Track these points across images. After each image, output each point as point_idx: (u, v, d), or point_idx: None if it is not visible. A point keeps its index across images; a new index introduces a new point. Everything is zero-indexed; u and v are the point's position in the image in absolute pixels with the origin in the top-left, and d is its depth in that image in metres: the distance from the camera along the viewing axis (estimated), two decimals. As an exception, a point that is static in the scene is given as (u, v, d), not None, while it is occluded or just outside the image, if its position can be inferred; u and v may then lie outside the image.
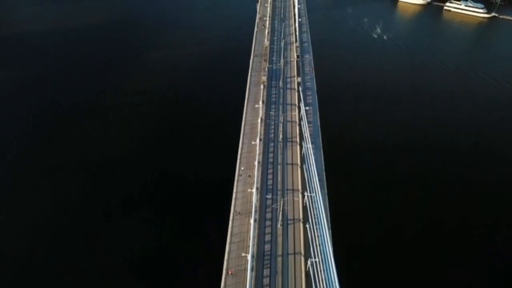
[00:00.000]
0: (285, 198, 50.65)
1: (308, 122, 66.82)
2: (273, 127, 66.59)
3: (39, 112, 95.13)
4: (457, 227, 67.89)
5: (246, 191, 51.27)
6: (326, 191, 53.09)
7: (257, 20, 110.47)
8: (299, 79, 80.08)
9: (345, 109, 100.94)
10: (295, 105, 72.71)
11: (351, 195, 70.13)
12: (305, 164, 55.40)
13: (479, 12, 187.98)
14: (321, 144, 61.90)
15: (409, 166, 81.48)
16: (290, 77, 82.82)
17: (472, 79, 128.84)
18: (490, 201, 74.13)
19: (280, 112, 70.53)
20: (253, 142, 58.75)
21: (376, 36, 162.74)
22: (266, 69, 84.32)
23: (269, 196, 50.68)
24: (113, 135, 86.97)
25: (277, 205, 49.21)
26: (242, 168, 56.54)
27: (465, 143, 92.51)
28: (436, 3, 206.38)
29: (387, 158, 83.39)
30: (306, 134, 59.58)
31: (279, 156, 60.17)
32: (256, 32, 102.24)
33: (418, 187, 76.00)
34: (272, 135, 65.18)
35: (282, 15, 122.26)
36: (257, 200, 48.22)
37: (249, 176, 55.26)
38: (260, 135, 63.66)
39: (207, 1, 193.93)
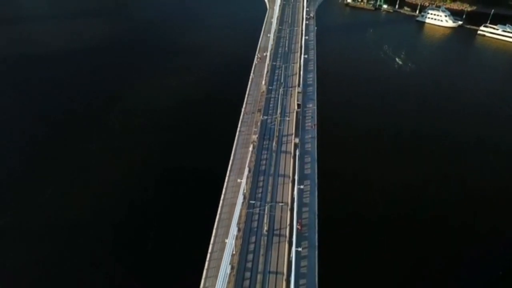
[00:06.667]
0: None
1: (303, 205, 56.23)
2: (258, 212, 55.67)
3: None
4: None
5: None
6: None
7: (255, 61, 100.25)
8: (297, 139, 69.48)
9: (350, 181, 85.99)
10: (289, 177, 61.90)
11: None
12: (292, 276, 44.19)
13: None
14: (316, 243, 50.37)
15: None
16: (287, 135, 72.22)
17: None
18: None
19: (269, 189, 59.76)
20: (226, 241, 47.95)
21: (401, 63, 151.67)
22: (259, 123, 74.25)
23: None
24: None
25: None
26: (209, 279, 45.80)
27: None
28: (468, 26, 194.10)
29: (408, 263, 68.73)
30: (297, 228, 48.97)
31: (260, 259, 49.04)
32: (252, 78, 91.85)
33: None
34: (256, 223, 54.29)
35: (286, 48, 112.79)
36: None
37: (217, 292, 44.40)
38: (240, 223, 53.16)
39: (201, 26, 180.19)
